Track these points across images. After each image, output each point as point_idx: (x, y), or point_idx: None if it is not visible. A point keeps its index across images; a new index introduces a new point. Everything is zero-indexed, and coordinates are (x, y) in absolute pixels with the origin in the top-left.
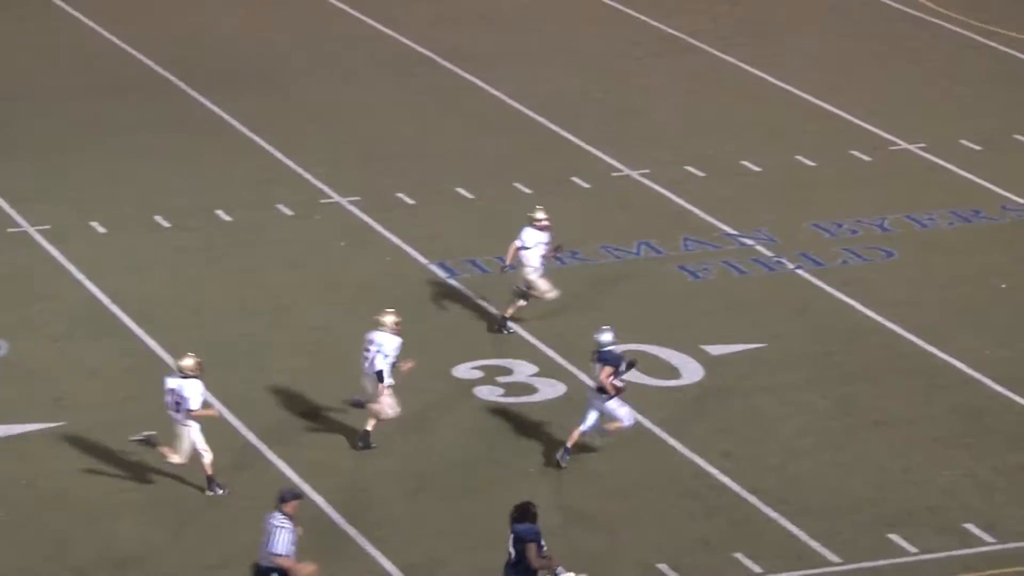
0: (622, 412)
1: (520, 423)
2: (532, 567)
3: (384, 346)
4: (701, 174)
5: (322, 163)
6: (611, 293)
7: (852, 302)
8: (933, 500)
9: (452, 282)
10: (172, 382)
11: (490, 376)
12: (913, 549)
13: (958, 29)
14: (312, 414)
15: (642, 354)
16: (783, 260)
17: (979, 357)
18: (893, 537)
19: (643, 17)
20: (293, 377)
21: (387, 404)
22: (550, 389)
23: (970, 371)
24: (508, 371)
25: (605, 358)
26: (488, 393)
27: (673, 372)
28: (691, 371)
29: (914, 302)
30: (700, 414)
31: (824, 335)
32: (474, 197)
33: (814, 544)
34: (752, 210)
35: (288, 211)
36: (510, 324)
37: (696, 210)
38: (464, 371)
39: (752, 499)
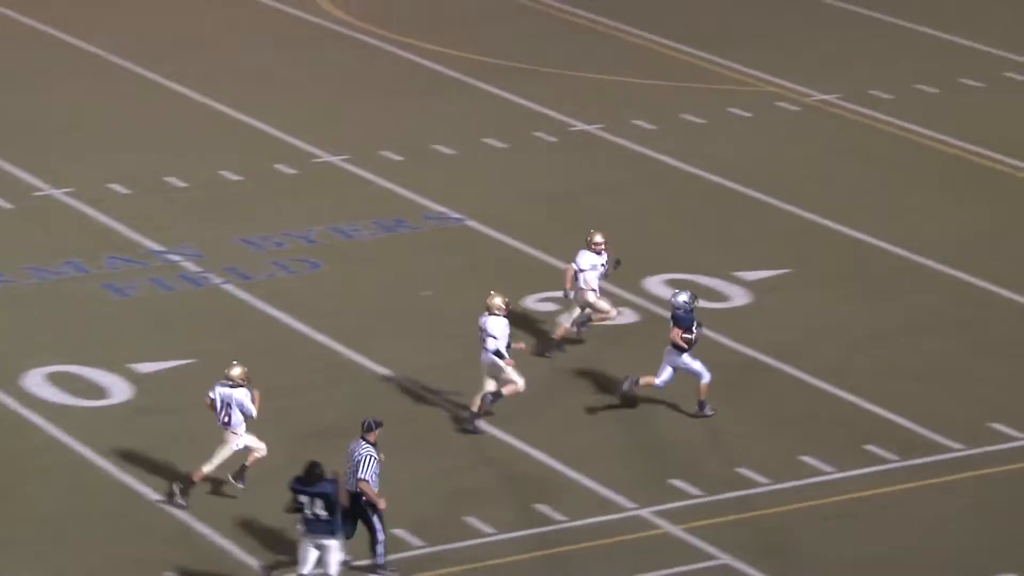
0: (697, 367)
1: None
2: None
3: (490, 331)
4: (125, 191)
5: None
6: (36, 314)
7: (280, 314)
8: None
9: None
10: (222, 391)
11: None
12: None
13: (374, 41)
14: None
15: (67, 375)
16: (210, 275)
17: (405, 364)
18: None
19: (61, 35)
20: None
21: (514, 376)
22: None
23: (398, 377)
24: None
25: (678, 317)
26: None
27: (101, 392)
28: (119, 390)
29: (341, 312)
30: (130, 433)
31: (254, 348)
32: None
33: (243, 555)
34: (177, 226)
35: None
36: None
37: (121, 227)
38: None
39: (183, 516)
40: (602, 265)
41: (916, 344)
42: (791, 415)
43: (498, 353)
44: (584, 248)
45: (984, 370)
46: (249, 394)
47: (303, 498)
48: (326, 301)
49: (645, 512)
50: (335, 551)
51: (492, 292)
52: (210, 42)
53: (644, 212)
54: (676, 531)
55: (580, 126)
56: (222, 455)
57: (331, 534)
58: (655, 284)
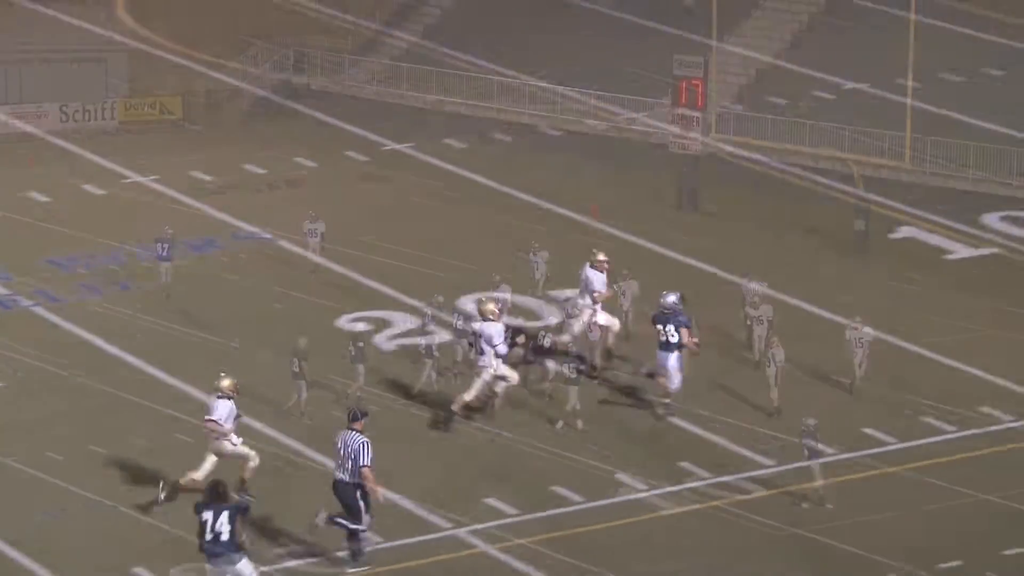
0: (677, 372)
1: None
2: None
3: (491, 336)
4: None
5: None
6: None
7: (90, 336)
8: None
9: None
10: (210, 403)
11: None
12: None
13: (183, 61)
14: None
15: None
16: (19, 298)
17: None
18: (139, 570)
19: None
20: None
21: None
22: None
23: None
24: None
25: (680, 319)
26: None
27: None
28: None
29: (151, 332)
30: None
31: (66, 370)
32: None
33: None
34: None
35: None
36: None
37: None
38: None
39: (12, 552)
40: (602, 285)
41: (725, 362)
42: (607, 433)
43: (499, 355)
44: (589, 267)
45: (790, 388)
46: (234, 408)
47: (206, 515)
48: (136, 321)
49: (461, 532)
50: (245, 565)
51: (483, 299)
52: (12, 59)
53: (456, 231)
54: (491, 550)
55: (392, 145)
56: (246, 456)
57: (231, 557)
58: (469, 303)
